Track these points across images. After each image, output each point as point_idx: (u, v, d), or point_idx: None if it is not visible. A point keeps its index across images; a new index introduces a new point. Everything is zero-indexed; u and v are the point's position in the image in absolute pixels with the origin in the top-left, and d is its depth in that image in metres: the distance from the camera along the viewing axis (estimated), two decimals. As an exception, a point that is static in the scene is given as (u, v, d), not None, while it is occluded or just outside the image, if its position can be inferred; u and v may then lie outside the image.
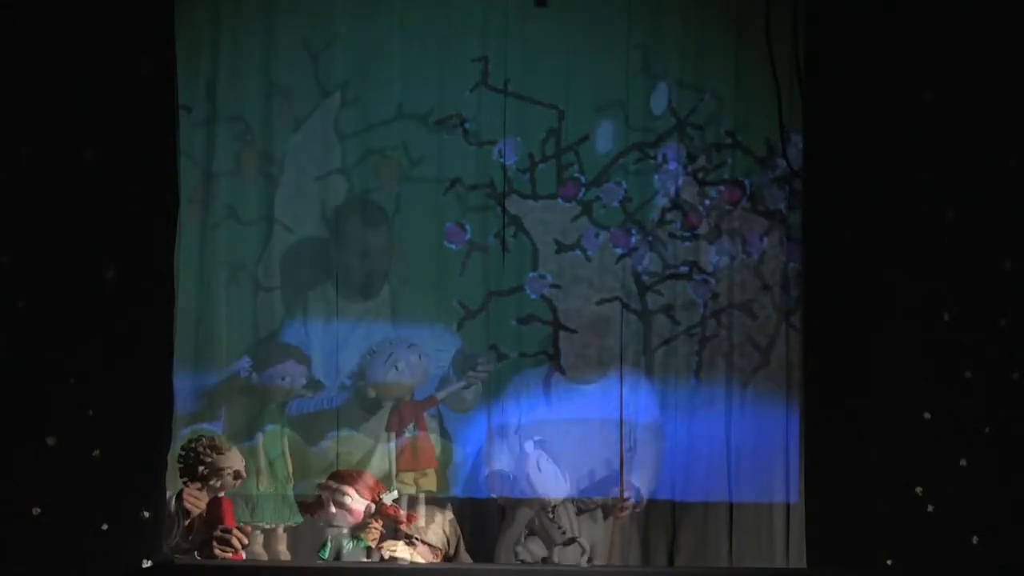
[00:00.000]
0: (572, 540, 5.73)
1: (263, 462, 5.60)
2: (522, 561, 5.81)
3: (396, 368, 5.73)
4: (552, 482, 5.79)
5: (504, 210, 6.82)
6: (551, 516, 5.75)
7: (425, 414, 5.87)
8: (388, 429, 5.72)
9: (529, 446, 5.80)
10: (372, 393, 5.74)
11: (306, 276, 6.59)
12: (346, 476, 5.60)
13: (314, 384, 6.12)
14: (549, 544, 5.74)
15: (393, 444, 5.69)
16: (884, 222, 5.71)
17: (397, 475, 5.67)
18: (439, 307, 6.50)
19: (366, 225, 6.22)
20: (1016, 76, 5.66)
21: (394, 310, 6.34)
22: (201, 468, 5.34)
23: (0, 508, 5.09)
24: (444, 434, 6.44)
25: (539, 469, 5.78)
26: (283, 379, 5.69)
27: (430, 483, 5.71)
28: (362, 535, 5.51)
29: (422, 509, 5.71)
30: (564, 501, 5.77)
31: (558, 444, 6.05)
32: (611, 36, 6.86)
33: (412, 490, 5.68)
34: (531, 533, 5.82)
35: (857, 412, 5.72)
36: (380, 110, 6.77)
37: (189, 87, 6.47)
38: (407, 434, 5.70)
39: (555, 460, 5.84)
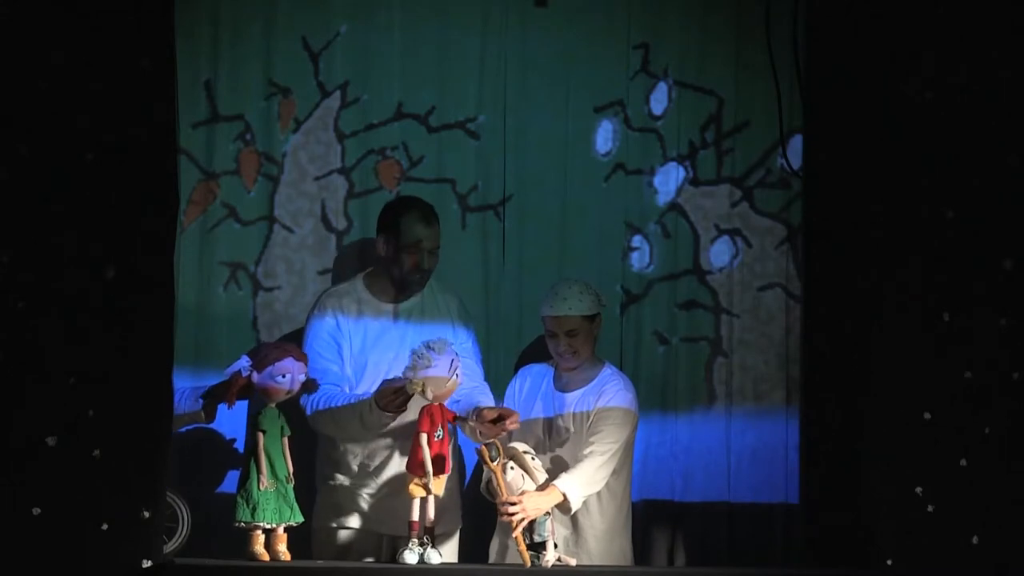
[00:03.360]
0: (543, 544, 5.75)
1: (263, 462, 5.59)
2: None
3: (456, 375, 5.71)
4: (519, 488, 5.77)
5: (504, 213, 6.83)
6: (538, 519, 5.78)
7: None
8: (420, 429, 5.68)
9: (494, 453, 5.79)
10: (428, 393, 5.71)
11: (343, 273, 6.59)
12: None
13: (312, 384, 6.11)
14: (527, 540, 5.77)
15: (422, 445, 5.66)
16: (884, 222, 5.71)
17: (415, 479, 5.64)
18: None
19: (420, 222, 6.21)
20: (1016, 76, 5.66)
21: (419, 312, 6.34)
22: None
23: (0, 508, 5.08)
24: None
25: (504, 475, 5.76)
26: (283, 377, 5.68)
27: (439, 486, 5.68)
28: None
29: (431, 511, 5.71)
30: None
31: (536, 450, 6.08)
32: (611, 36, 6.87)
33: (423, 492, 5.66)
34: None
35: (857, 412, 5.72)
36: (380, 110, 6.78)
37: (189, 87, 6.48)
38: (436, 437, 5.67)
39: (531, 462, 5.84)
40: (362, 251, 6.65)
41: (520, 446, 5.86)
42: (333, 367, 6.16)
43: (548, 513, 5.80)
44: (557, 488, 5.85)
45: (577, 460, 6.01)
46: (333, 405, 6.05)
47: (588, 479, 5.96)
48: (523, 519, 5.72)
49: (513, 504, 5.72)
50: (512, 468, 5.76)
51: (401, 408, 5.91)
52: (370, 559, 6.18)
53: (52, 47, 5.21)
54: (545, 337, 6.26)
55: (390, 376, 6.01)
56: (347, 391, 6.12)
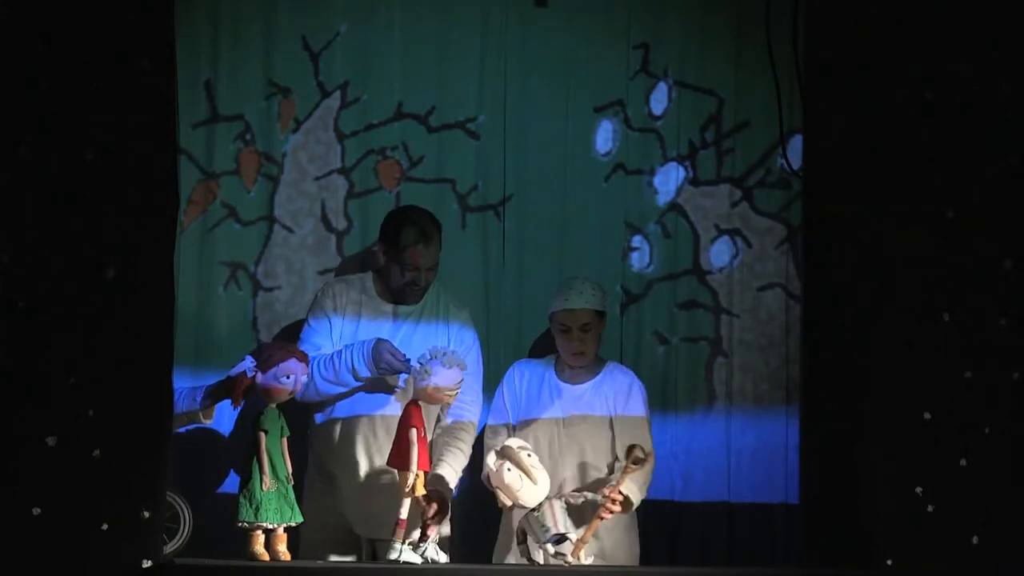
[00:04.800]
0: (562, 537, 5.69)
1: (265, 463, 5.59)
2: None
3: (459, 373, 5.69)
4: (518, 488, 5.72)
5: (504, 213, 6.83)
6: (536, 514, 5.72)
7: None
8: (411, 425, 5.67)
9: (490, 459, 5.70)
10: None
11: (344, 273, 6.60)
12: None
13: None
14: (536, 542, 5.72)
15: (414, 441, 5.64)
16: (884, 222, 5.70)
17: (416, 475, 5.62)
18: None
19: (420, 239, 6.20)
20: (1016, 76, 5.66)
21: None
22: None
23: (0, 508, 5.08)
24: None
25: (504, 480, 5.69)
26: (287, 378, 5.67)
27: (420, 486, 5.65)
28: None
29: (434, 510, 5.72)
30: (549, 499, 5.72)
31: (548, 443, 6.09)
32: (611, 36, 6.88)
33: (423, 491, 5.64)
34: (524, 538, 5.79)
35: (857, 412, 5.72)
36: (380, 110, 6.78)
37: (189, 87, 6.48)
38: (423, 434, 5.66)
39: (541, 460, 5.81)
40: (365, 259, 6.66)
41: (515, 442, 5.78)
42: (326, 346, 6.19)
43: (539, 505, 5.75)
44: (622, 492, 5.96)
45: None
46: (325, 361, 6.11)
47: (645, 482, 6.07)
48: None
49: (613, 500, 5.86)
50: (509, 469, 5.69)
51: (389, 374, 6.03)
52: (351, 558, 6.19)
53: (52, 47, 5.21)
54: (555, 334, 6.26)
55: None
56: None
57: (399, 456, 5.64)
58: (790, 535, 6.64)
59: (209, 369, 6.36)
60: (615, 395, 6.26)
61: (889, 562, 5.55)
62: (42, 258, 5.16)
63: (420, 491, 5.62)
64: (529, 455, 5.73)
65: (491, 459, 5.68)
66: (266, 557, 5.56)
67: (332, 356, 6.10)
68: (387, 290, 6.30)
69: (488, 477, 5.80)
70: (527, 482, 5.69)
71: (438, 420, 6.23)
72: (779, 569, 6.41)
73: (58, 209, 5.18)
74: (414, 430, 5.61)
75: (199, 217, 6.65)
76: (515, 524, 5.88)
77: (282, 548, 5.61)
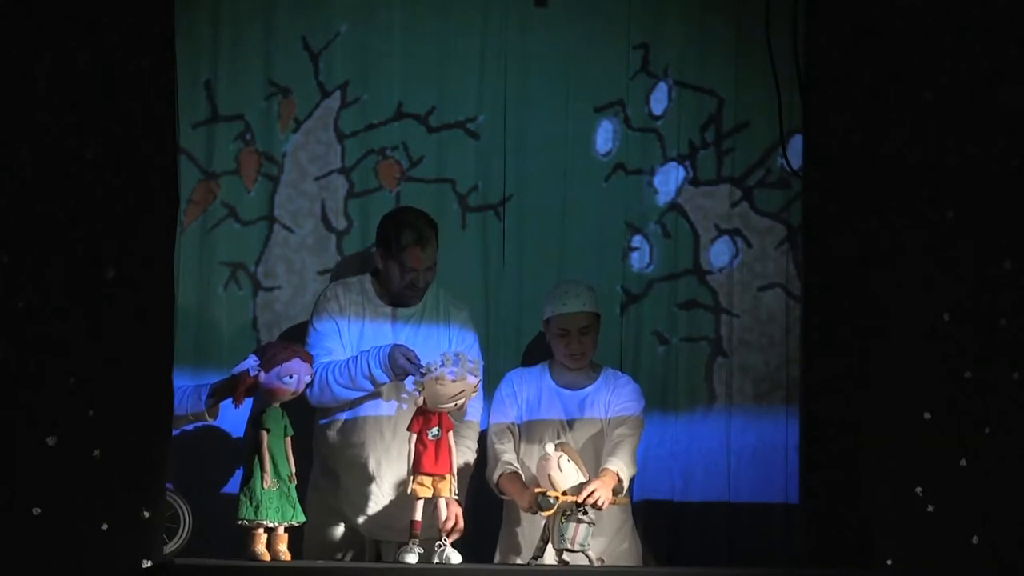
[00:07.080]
0: (569, 551, 5.73)
1: (266, 461, 5.59)
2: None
3: (456, 404, 5.67)
4: (574, 482, 5.75)
5: (504, 213, 6.83)
6: (562, 522, 5.72)
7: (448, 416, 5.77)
8: (408, 429, 5.66)
9: (550, 447, 5.78)
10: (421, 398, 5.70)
11: (341, 274, 6.59)
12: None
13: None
14: (552, 542, 5.73)
15: (412, 445, 5.63)
16: (884, 222, 5.71)
17: (415, 478, 5.61)
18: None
19: (417, 241, 6.19)
20: (1017, 76, 5.66)
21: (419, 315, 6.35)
22: None
23: (0, 508, 5.08)
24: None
25: (560, 469, 5.75)
26: (290, 378, 5.67)
27: (446, 487, 5.64)
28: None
29: (453, 509, 5.70)
30: (578, 521, 5.74)
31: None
32: (611, 36, 6.88)
33: (429, 493, 5.63)
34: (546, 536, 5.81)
35: (857, 412, 5.72)
36: (380, 110, 6.78)
37: (189, 87, 6.48)
38: (431, 436, 5.64)
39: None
40: (364, 260, 6.65)
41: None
42: (336, 349, 6.17)
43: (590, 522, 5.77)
44: (610, 469, 5.91)
45: (613, 448, 6.06)
46: (340, 367, 6.08)
47: (630, 461, 6.04)
48: (602, 496, 5.77)
49: (591, 493, 5.75)
50: (568, 461, 5.76)
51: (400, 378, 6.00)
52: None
53: (52, 47, 5.21)
54: (552, 338, 6.25)
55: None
56: None
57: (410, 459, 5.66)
58: (790, 535, 6.64)
59: (209, 369, 6.37)
60: (615, 399, 6.25)
61: (889, 562, 5.55)
62: (42, 258, 5.16)
63: (445, 494, 5.63)
64: (559, 453, 5.82)
65: (551, 448, 5.79)
66: (267, 557, 5.56)
67: (347, 362, 6.08)
68: (386, 292, 6.29)
69: (542, 464, 5.79)
70: (580, 477, 5.77)
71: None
72: (779, 569, 6.40)
73: (58, 209, 5.18)
74: (413, 435, 5.63)
75: (199, 217, 6.65)
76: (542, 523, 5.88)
77: (283, 548, 5.61)
